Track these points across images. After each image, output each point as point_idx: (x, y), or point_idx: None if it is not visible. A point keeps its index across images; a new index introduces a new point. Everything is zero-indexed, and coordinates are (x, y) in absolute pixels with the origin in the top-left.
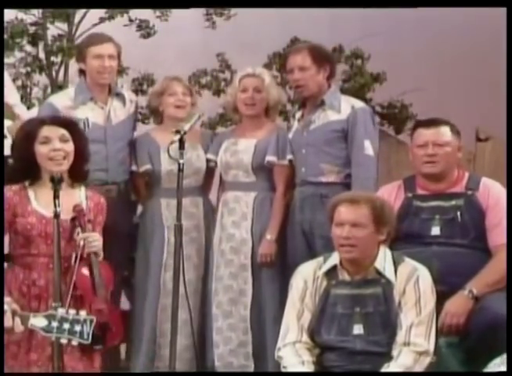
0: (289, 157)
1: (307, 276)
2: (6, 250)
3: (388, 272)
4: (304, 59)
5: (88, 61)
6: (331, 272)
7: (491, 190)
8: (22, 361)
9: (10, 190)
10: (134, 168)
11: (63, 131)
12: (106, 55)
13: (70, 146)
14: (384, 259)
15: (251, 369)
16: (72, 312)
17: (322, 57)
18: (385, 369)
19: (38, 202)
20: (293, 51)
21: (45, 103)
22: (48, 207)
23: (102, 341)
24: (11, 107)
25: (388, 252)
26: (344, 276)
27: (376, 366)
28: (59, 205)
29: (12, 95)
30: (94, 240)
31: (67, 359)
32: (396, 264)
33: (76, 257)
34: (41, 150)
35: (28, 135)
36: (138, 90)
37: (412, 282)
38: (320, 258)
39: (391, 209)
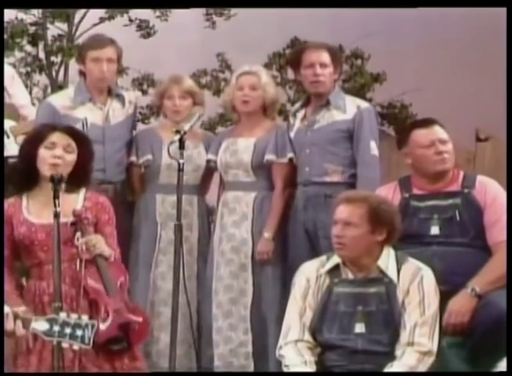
0: (289, 155)
1: (309, 275)
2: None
3: (391, 271)
4: (324, 57)
5: (87, 64)
6: (334, 271)
7: (488, 188)
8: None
9: (6, 202)
10: (133, 158)
11: (71, 142)
12: (105, 59)
13: (71, 157)
14: (387, 258)
15: (251, 369)
16: (74, 316)
17: (337, 59)
18: (388, 368)
19: (28, 210)
20: (310, 47)
21: (43, 103)
22: (37, 214)
23: (127, 341)
24: (16, 108)
25: (392, 252)
26: (347, 274)
27: (378, 365)
28: (58, 205)
29: (21, 97)
30: (96, 242)
31: (92, 359)
32: (400, 263)
33: (80, 262)
34: (43, 153)
35: (36, 137)
36: (138, 90)
37: (416, 282)
38: (323, 257)
39: (389, 209)
